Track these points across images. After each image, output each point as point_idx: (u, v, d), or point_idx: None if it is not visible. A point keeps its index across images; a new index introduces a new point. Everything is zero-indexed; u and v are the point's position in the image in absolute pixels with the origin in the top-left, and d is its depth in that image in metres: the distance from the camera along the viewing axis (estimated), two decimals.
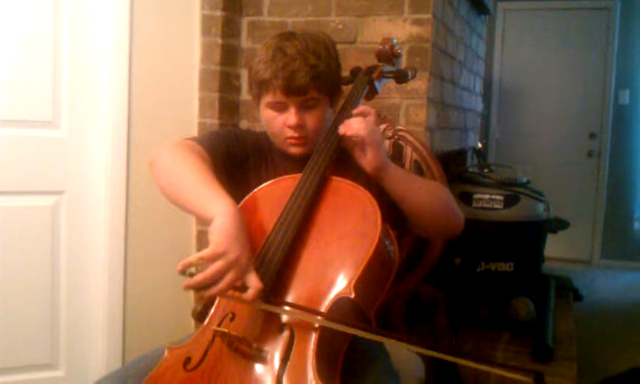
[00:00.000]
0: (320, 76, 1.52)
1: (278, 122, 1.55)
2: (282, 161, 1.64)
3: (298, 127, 1.54)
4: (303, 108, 1.54)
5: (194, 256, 1.22)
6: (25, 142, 2.47)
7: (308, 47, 1.53)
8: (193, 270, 1.23)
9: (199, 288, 1.22)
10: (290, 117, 1.53)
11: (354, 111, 1.53)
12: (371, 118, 1.51)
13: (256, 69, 1.56)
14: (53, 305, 2.56)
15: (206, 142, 1.56)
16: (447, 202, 1.60)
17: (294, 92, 1.51)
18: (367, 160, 1.48)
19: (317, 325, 1.27)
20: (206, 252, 1.21)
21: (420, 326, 2.38)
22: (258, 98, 1.60)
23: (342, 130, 1.49)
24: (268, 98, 1.54)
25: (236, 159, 1.63)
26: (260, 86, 1.56)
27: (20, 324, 2.51)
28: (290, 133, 1.55)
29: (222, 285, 1.22)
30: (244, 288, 1.24)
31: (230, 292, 1.25)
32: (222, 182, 1.50)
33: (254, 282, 1.24)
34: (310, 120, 1.55)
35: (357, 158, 1.50)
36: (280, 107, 1.54)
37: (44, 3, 2.43)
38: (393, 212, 1.50)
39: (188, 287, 1.22)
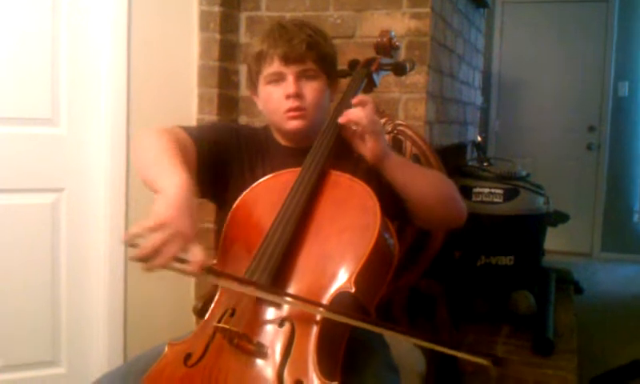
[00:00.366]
0: (317, 46, 1.57)
1: (277, 95, 1.57)
2: (280, 155, 1.65)
3: (297, 96, 1.55)
4: (301, 78, 1.56)
5: (137, 226, 1.20)
6: (24, 140, 2.47)
7: (304, 23, 1.60)
8: (139, 240, 1.20)
9: (144, 260, 1.19)
10: (289, 86, 1.55)
11: (353, 101, 1.53)
12: (370, 107, 1.50)
13: (253, 44, 1.62)
14: (53, 302, 2.56)
15: (194, 132, 1.59)
16: (449, 191, 1.60)
17: (291, 59, 1.54)
18: (368, 148, 1.48)
19: (318, 318, 1.27)
20: (148, 222, 1.20)
21: (421, 320, 2.38)
22: (256, 77, 1.62)
23: (343, 119, 1.49)
24: (266, 71, 1.57)
25: (228, 152, 1.64)
26: (258, 59, 1.58)
27: (21, 322, 2.51)
28: (289, 104, 1.56)
29: (164, 256, 1.19)
30: (189, 261, 1.21)
31: (177, 265, 1.22)
32: (209, 172, 1.56)
33: (197, 254, 1.21)
34: (309, 91, 1.57)
35: (357, 147, 1.50)
36: (278, 79, 1.56)
37: (42, 0, 2.43)
38: (393, 203, 1.50)
39: (133, 259, 1.20)
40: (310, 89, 1.57)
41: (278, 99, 1.57)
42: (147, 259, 1.19)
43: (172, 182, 1.28)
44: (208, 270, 1.25)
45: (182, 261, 1.22)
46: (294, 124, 1.58)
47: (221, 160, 1.62)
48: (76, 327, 2.61)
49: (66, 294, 2.58)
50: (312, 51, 1.55)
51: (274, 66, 1.55)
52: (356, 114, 1.48)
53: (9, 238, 2.47)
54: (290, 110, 1.56)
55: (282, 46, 1.54)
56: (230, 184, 1.64)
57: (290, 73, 1.55)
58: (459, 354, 1.25)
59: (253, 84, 1.66)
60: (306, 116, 1.57)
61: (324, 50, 1.59)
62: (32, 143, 2.48)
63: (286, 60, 1.54)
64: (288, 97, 1.55)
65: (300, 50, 1.53)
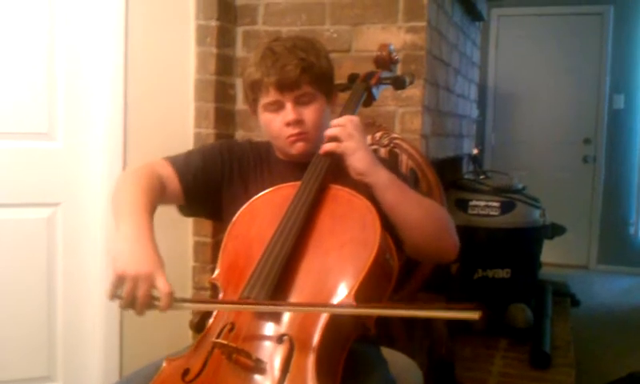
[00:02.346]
0: (310, 68, 1.55)
1: (277, 122, 1.57)
2: (278, 168, 1.65)
3: (297, 123, 1.54)
4: (299, 104, 1.55)
5: (108, 283, 1.29)
6: (20, 154, 2.46)
7: (296, 44, 1.57)
8: (119, 292, 1.29)
9: (129, 308, 1.30)
10: (288, 113, 1.54)
11: (332, 123, 1.52)
12: (344, 129, 1.49)
13: (248, 73, 1.60)
14: (50, 317, 2.55)
15: (181, 163, 1.62)
16: (442, 222, 1.56)
17: (286, 87, 1.53)
18: (349, 166, 1.48)
19: (317, 336, 1.25)
20: (111, 278, 1.28)
21: (418, 334, 2.37)
22: (254, 104, 1.61)
23: (321, 150, 1.51)
24: (264, 100, 1.57)
25: (217, 173, 1.65)
26: (254, 89, 1.58)
27: (17, 337, 2.49)
28: (290, 130, 1.56)
29: (139, 303, 1.28)
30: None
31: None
32: (199, 197, 1.61)
33: (161, 288, 1.27)
34: (308, 115, 1.56)
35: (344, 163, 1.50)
36: (277, 107, 1.56)
37: (39, 15, 2.43)
38: (388, 224, 1.48)
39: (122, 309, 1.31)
40: (309, 112, 1.56)
41: (278, 127, 1.57)
42: (131, 308, 1.29)
43: (121, 230, 1.37)
44: (183, 300, 1.33)
45: (157, 298, 1.29)
46: (297, 148, 1.58)
47: (210, 183, 1.64)
48: (72, 342, 2.60)
49: (62, 308, 2.57)
50: (306, 74, 1.54)
51: (270, 96, 1.55)
52: (333, 134, 1.49)
53: (4, 252, 2.46)
54: (291, 136, 1.56)
55: (276, 74, 1.52)
56: (222, 200, 1.65)
57: (287, 100, 1.54)
58: (441, 314, 1.29)
59: (252, 108, 1.65)
60: (309, 138, 1.57)
61: (319, 70, 1.57)
62: (28, 157, 2.48)
63: (282, 88, 1.53)
64: (288, 124, 1.55)
65: (294, 77, 1.52)
